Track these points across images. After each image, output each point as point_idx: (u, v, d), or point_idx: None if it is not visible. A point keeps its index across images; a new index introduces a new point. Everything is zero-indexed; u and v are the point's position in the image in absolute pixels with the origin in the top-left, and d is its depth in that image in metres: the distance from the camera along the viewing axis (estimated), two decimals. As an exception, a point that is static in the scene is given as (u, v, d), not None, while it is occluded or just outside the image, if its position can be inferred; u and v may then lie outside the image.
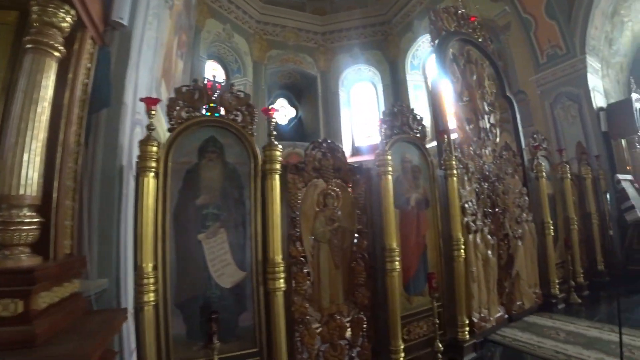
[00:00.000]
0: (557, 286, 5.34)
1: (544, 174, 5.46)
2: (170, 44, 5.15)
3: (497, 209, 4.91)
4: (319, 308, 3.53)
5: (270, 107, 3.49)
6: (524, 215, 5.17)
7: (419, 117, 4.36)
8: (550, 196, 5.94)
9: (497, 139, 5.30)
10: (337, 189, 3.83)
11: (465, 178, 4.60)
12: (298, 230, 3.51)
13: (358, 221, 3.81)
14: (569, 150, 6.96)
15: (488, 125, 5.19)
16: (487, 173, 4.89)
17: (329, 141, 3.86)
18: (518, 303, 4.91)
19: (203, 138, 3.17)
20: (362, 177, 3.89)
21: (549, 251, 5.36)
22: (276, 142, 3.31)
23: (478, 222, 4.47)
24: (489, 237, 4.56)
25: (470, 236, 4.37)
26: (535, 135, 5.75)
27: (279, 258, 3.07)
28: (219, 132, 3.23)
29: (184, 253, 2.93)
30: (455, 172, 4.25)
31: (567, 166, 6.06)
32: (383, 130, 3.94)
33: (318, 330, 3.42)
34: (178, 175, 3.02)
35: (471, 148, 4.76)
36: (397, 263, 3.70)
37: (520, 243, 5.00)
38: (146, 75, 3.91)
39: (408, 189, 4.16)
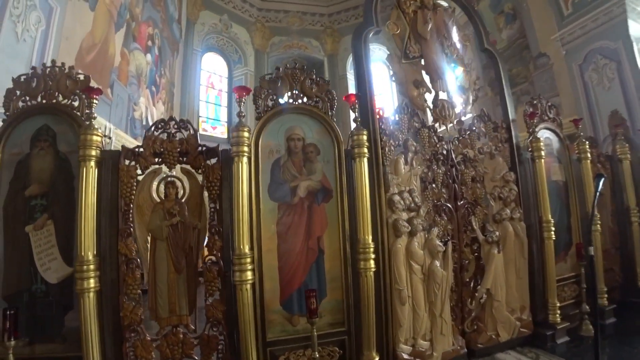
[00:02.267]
0: (560, 311, 3.53)
1: (542, 153, 3.82)
2: (100, 36, 4.53)
3: (460, 202, 3.52)
4: (156, 317, 2.67)
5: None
6: (507, 211, 3.62)
7: (320, 81, 3.15)
8: (561, 185, 4.26)
9: (469, 107, 3.83)
10: (183, 176, 2.88)
11: (402, 160, 3.29)
12: (131, 224, 2.69)
13: (211, 216, 2.82)
14: (604, 125, 5.04)
15: (453, 89, 3.76)
16: (444, 152, 3.52)
17: (178, 120, 2.91)
18: (489, 333, 3.45)
19: (36, 127, 2.82)
20: (218, 162, 2.88)
21: (549, 261, 3.66)
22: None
23: (417, 221, 3.10)
24: (437, 242, 3.19)
25: (400, 241, 2.98)
26: (535, 102, 4.09)
27: (89, 255, 2.49)
28: (53, 119, 2.81)
29: (12, 245, 2.72)
30: (365, 150, 2.86)
31: (586, 143, 4.29)
32: (244, 102, 2.80)
33: (155, 344, 2.62)
34: (9, 167, 2.78)
35: (415, 119, 3.42)
36: (248, 273, 2.54)
37: (496, 250, 3.50)
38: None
39: (295, 175, 3.03)
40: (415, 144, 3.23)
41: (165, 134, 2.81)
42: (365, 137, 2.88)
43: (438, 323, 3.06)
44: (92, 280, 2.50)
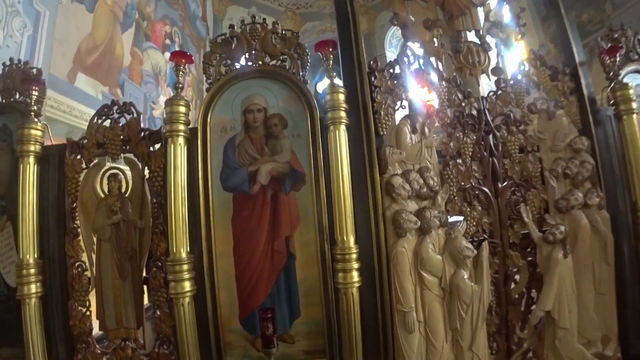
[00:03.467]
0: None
1: (634, 105, 2.22)
2: (103, 37, 4.07)
3: (503, 183, 2.15)
4: (104, 328, 2.05)
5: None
6: (579, 195, 2.13)
7: (286, 34, 2.05)
8: None
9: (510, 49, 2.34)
10: (126, 167, 2.07)
11: (407, 127, 2.05)
12: (77, 224, 2.05)
13: (155, 212, 1.96)
14: None
15: (485, 27, 2.34)
16: (473, 113, 2.19)
17: (121, 103, 2.10)
18: (550, 373, 2.06)
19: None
20: (162, 148, 1.98)
21: (654, 269, 2.15)
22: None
23: (431, 213, 1.84)
24: (464, 242, 1.90)
25: (404, 242, 1.77)
26: (616, 33, 2.40)
27: (30, 259, 1.96)
28: (9, 117, 2.27)
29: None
30: (342, 114, 1.80)
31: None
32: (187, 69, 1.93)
33: (106, 357, 1.98)
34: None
35: (431, 70, 2.12)
36: (186, 284, 1.74)
37: (561, 253, 2.05)
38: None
39: (255, 156, 2.00)
40: (418, 105, 1.97)
41: (109, 121, 2.05)
42: (342, 97, 1.80)
43: (467, 359, 1.82)
44: (33, 286, 1.99)
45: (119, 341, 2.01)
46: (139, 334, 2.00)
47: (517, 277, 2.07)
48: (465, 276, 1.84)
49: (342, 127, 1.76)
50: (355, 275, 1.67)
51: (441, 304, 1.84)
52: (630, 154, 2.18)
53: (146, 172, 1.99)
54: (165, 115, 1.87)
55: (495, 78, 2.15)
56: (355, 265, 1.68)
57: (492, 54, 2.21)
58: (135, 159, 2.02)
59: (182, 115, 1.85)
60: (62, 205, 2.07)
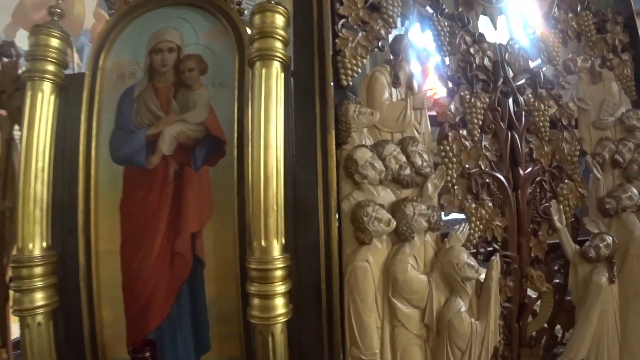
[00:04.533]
0: None
1: None
2: None
3: (526, 170, 1.25)
4: None
5: None
6: (633, 192, 1.32)
7: None
8: None
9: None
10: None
11: (384, 77, 1.13)
12: None
13: None
14: None
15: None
16: (486, 64, 1.24)
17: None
18: None
19: None
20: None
21: None
22: None
23: (415, 210, 1.04)
24: (464, 256, 1.05)
25: (367, 252, 0.97)
26: None
27: None
28: None
29: None
30: (277, 46, 0.97)
31: None
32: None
33: None
34: None
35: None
36: (38, 295, 0.96)
37: (604, 276, 1.23)
38: None
39: (158, 114, 1.17)
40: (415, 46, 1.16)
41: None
42: (279, 19, 1.01)
43: None
44: None
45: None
46: (3, 355, 1.29)
47: (537, 307, 1.26)
48: (463, 308, 1.04)
49: (276, 67, 0.98)
50: (279, 305, 0.90)
51: (422, 349, 1.05)
52: None
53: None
54: (28, 50, 1.12)
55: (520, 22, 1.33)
56: (281, 287, 0.91)
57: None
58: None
59: (51, 50, 1.10)
60: None
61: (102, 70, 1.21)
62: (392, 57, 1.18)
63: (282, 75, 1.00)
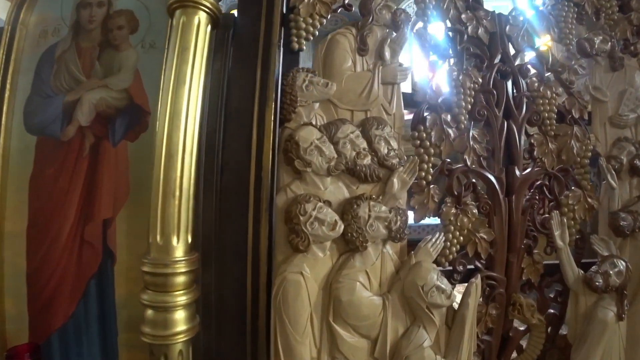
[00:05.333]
0: None
1: None
2: None
3: (523, 172, 0.84)
4: None
5: None
6: None
7: None
8: None
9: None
10: None
11: (348, 40, 0.79)
12: None
13: None
14: None
15: None
16: (480, 34, 0.86)
17: None
18: None
19: None
20: None
21: None
22: None
23: (369, 211, 0.72)
24: (434, 276, 0.73)
25: (301, 263, 0.69)
26: None
27: None
28: None
29: None
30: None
31: None
32: None
33: None
34: None
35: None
36: None
37: (611, 311, 0.91)
38: None
39: (78, 78, 0.88)
40: (392, 3, 0.85)
41: None
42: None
43: None
44: None
45: None
46: None
47: (524, 341, 0.94)
48: (427, 342, 0.73)
49: (199, 17, 0.69)
50: (180, 320, 0.62)
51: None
52: None
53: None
54: None
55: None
56: (183, 298, 0.63)
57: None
58: None
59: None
60: None
61: (23, 25, 0.96)
62: (366, 14, 0.87)
63: (208, 29, 0.72)
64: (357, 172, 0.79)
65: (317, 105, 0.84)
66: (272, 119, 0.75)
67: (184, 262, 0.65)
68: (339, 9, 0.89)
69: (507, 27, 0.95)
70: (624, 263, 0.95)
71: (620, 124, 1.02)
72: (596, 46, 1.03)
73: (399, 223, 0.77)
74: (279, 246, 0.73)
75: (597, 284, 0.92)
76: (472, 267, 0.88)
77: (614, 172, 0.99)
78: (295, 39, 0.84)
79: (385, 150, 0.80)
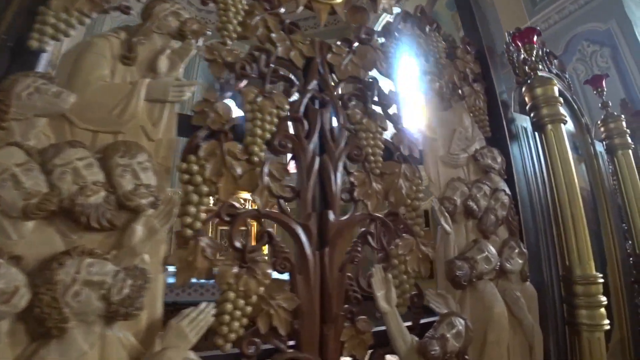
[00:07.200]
0: None
1: (561, 109, 1.13)
2: None
3: (339, 218, 0.74)
4: None
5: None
6: (490, 250, 0.88)
7: None
8: (584, 196, 1.15)
9: None
10: None
11: (110, 50, 0.65)
12: None
13: None
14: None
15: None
16: (294, 61, 0.80)
17: None
18: None
19: None
20: None
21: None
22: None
23: (69, 272, 0.49)
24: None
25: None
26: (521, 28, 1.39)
27: None
28: None
29: None
30: None
31: (622, 119, 1.50)
32: None
33: None
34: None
35: None
36: None
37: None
38: None
39: None
40: (183, 12, 0.71)
41: None
42: None
43: None
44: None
45: None
46: None
47: None
48: None
49: None
50: None
51: None
52: (560, 184, 1.05)
53: None
54: None
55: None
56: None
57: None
58: None
59: None
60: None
61: None
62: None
63: None
64: (76, 215, 0.55)
65: (42, 121, 0.61)
66: None
67: None
68: (114, 11, 0.73)
69: (329, 55, 0.90)
70: (462, 322, 0.84)
71: (452, 162, 1.01)
72: (425, 85, 1.06)
73: (125, 291, 0.52)
74: None
75: (432, 352, 0.78)
76: (270, 346, 0.66)
77: (447, 215, 0.94)
78: (37, 35, 0.63)
79: (130, 186, 0.58)
